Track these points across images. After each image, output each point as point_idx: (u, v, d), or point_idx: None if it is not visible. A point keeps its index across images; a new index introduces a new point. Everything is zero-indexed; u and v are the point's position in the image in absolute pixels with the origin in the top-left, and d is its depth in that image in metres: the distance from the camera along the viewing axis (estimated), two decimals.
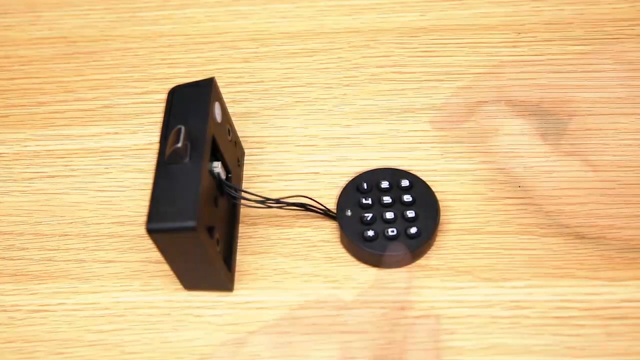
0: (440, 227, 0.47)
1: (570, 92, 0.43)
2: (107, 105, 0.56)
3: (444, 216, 0.47)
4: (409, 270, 0.46)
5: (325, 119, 0.54)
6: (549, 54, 0.56)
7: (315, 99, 0.55)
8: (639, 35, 0.56)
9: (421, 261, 0.46)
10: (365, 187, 0.48)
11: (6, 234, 0.50)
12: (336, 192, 0.48)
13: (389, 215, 0.46)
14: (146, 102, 0.56)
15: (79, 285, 0.47)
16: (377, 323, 0.40)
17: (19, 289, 0.47)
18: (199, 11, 0.61)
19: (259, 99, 0.55)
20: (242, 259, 0.47)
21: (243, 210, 0.49)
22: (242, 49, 0.59)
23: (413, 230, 0.46)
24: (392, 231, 0.46)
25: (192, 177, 0.41)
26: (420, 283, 0.45)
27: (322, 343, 0.37)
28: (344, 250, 0.47)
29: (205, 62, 0.58)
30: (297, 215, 0.49)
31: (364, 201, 0.47)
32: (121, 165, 0.52)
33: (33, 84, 0.58)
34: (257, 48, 0.59)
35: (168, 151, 0.41)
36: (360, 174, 0.49)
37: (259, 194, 0.46)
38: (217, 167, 0.44)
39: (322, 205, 0.48)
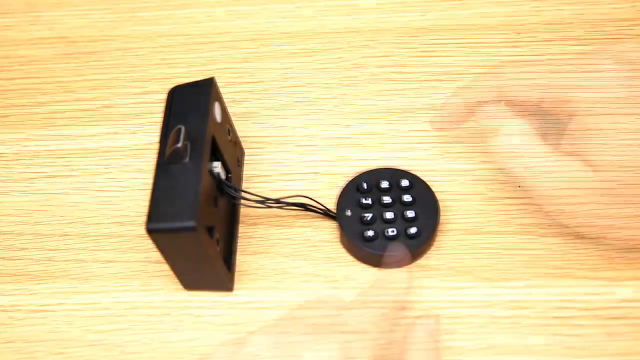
0: (440, 227, 0.47)
1: (570, 92, 0.42)
2: (107, 105, 0.56)
3: (444, 216, 0.47)
4: (409, 270, 0.46)
5: (325, 119, 0.54)
6: (548, 54, 0.56)
7: (315, 99, 0.55)
8: (639, 35, 0.56)
9: (421, 261, 0.46)
10: (365, 187, 0.48)
11: (6, 234, 0.50)
12: (336, 192, 0.48)
13: (389, 215, 0.46)
14: (146, 102, 0.56)
15: (79, 285, 0.47)
16: (377, 323, 0.39)
17: (19, 289, 0.47)
18: (199, 11, 0.61)
19: (259, 99, 0.55)
20: (242, 259, 0.47)
21: (243, 210, 0.49)
22: (242, 49, 0.59)
23: (413, 230, 0.46)
24: (392, 231, 0.46)
25: (192, 177, 0.41)
26: (420, 283, 0.45)
27: (322, 343, 0.37)
28: (343, 250, 0.47)
29: (205, 62, 0.58)
30: (297, 215, 0.49)
31: (363, 201, 0.47)
32: (121, 165, 0.52)
33: (33, 84, 0.58)
34: (257, 48, 0.59)
35: (168, 151, 0.41)
36: (360, 174, 0.49)
37: (258, 194, 0.46)
38: (217, 167, 0.44)
39: (322, 205, 0.48)
